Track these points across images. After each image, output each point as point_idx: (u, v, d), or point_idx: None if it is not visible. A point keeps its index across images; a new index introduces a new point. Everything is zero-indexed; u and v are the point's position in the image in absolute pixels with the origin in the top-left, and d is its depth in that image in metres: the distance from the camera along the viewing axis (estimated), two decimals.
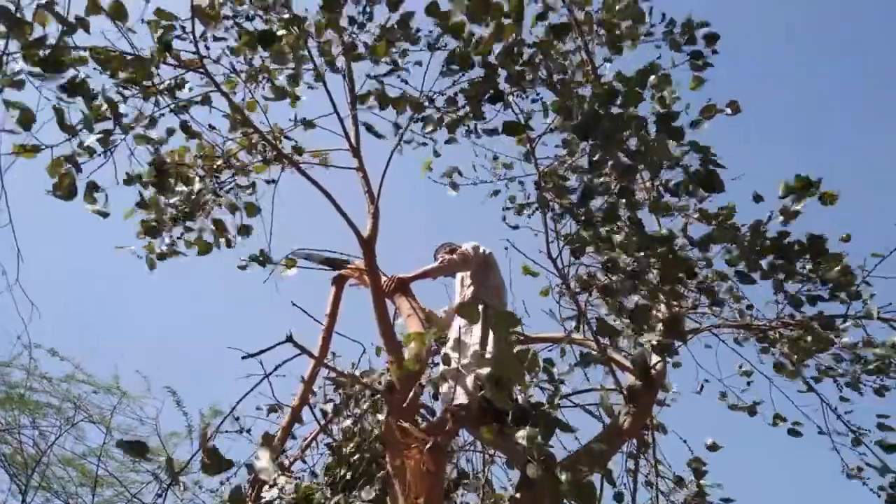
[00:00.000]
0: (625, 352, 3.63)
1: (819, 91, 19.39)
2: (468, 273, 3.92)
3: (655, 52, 4.26)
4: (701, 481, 3.95)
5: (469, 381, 3.23)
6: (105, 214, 3.63)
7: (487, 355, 3.38)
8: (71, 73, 3.02)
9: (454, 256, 3.95)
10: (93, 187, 3.39)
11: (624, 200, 2.97)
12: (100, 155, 3.47)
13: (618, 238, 3.25)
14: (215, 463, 2.49)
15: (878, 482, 3.99)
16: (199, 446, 2.49)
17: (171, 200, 4.04)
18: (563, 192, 3.17)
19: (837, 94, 19.40)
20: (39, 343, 10.02)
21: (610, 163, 3.01)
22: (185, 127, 3.83)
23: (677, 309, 3.26)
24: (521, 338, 3.66)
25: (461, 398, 3.17)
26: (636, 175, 3.10)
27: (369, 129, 3.82)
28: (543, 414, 2.67)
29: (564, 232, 3.32)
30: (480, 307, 3.53)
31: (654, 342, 2.89)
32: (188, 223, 4.20)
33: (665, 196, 3.31)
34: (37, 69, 2.81)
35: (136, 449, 2.53)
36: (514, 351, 2.68)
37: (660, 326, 2.90)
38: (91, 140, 3.25)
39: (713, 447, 4.08)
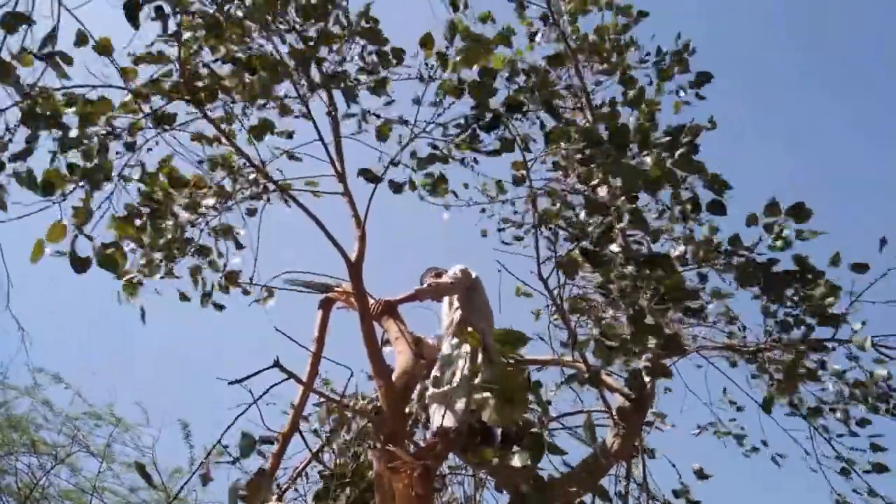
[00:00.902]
0: (614, 373, 3.61)
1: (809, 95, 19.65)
2: (455, 297, 3.91)
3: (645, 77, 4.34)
4: None
5: (459, 404, 3.19)
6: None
7: (478, 379, 3.35)
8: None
9: (442, 280, 3.95)
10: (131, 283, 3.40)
11: (620, 222, 2.98)
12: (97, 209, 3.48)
13: (611, 258, 3.26)
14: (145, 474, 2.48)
15: None
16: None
17: (159, 241, 4.00)
18: (561, 209, 3.18)
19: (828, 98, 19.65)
20: (39, 367, 9.96)
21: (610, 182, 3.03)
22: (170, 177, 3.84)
23: (672, 328, 3.25)
24: (512, 360, 3.64)
25: (450, 421, 3.14)
26: (639, 192, 3.11)
27: (367, 174, 3.80)
28: (534, 436, 2.63)
29: (556, 253, 3.33)
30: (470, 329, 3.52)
31: (647, 364, 2.88)
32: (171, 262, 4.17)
33: (666, 215, 3.32)
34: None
35: (146, 473, 2.51)
36: (515, 373, 2.65)
37: (652, 347, 2.88)
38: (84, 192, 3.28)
39: (700, 473, 4.04)
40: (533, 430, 2.81)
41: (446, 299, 4.02)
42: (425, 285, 4.07)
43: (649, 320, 3.10)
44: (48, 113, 3.06)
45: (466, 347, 3.45)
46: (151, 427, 11.33)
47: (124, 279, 3.92)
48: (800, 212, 3.37)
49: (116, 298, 3.89)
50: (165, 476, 9.59)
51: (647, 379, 3.40)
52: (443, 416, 3.13)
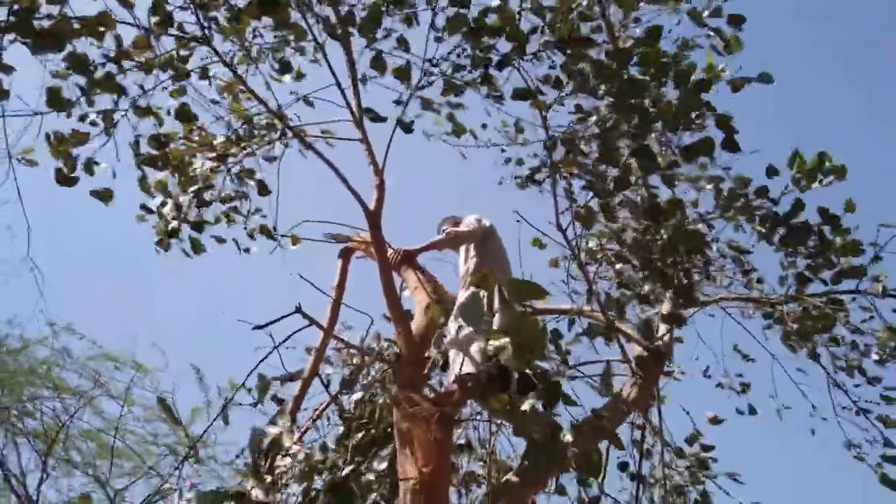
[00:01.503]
0: (632, 323, 3.61)
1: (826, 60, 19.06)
2: (472, 245, 3.90)
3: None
4: (703, 453, 3.96)
5: (476, 350, 3.21)
6: (107, 198, 3.62)
7: (496, 324, 3.35)
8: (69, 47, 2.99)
9: (459, 229, 3.93)
10: (91, 163, 3.37)
11: (638, 163, 2.91)
12: (101, 133, 3.44)
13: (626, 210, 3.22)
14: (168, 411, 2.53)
15: (875, 458, 3.99)
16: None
17: (182, 185, 4.00)
18: (578, 154, 3.12)
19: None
20: (54, 321, 10.17)
21: (626, 123, 2.95)
22: (183, 111, 3.78)
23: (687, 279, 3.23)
24: (530, 309, 3.63)
25: (468, 368, 3.16)
26: (652, 133, 3.04)
27: (370, 113, 3.74)
28: (550, 384, 2.65)
29: (574, 202, 3.29)
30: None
31: (664, 312, 2.87)
32: (199, 210, 4.19)
33: (679, 158, 3.25)
34: (32, 41, 2.78)
35: (169, 409, 2.57)
36: (533, 320, 2.64)
37: (669, 296, 2.87)
38: (92, 116, 3.23)
39: (714, 420, 4.08)
40: (551, 377, 2.81)
41: (462, 248, 4.01)
42: (443, 235, 4.06)
43: (663, 269, 3.10)
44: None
45: (483, 294, 3.45)
46: (171, 373, 11.67)
47: (160, 227, 3.96)
48: (822, 160, 3.30)
49: (156, 246, 3.94)
50: (184, 419, 9.92)
51: (662, 328, 3.40)
52: (461, 363, 3.16)
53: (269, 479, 2.77)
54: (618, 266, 3.27)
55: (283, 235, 4.12)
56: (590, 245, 3.50)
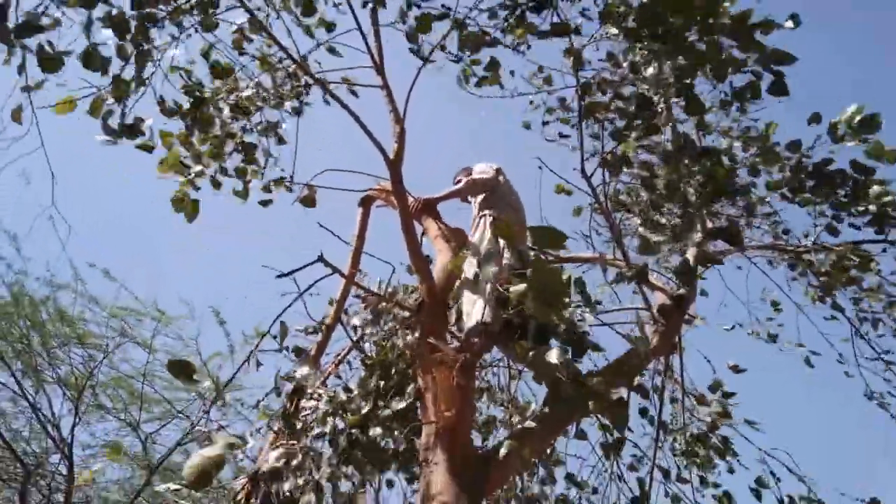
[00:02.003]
0: (656, 271, 3.59)
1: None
2: (485, 193, 3.87)
3: None
4: (722, 400, 3.98)
5: (492, 298, 3.20)
6: (150, 148, 3.64)
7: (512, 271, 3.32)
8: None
9: (475, 176, 3.89)
10: (139, 122, 3.39)
11: (684, 103, 2.83)
12: (135, 91, 3.44)
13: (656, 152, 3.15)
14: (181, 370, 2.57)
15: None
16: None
17: (207, 137, 3.98)
18: (610, 99, 3.04)
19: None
20: (79, 269, 10.35)
21: (665, 67, 2.85)
22: (219, 69, 3.74)
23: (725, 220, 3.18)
24: (553, 257, 3.62)
25: (488, 316, 3.16)
26: (696, 77, 2.95)
27: (415, 52, 3.64)
28: (577, 334, 2.64)
29: (600, 148, 3.22)
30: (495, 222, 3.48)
31: (695, 254, 2.83)
32: (220, 161, 4.17)
33: (727, 100, 3.15)
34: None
35: (182, 368, 2.61)
36: (554, 269, 2.62)
37: (698, 237, 2.82)
38: (126, 73, 3.22)
39: (736, 369, 4.08)
40: (577, 327, 2.81)
41: (473, 197, 3.98)
42: (461, 183, 4.03)
43: (697, 214, 3.03)
44: None
45: (499, 241, 3.44)
46: (196, 321, 11.91)
47: (181, 184, 3.96)
48: (870, 120, 3.18)
49: (174, 206, 3.94)
50: (208, 363, 10.16)
51: (695, 267, 3.36)
52: (483, 311, 3.16)
53: (296, 422, 2.82)
54: (647, 209, 3.21)
55: (303, 185, 4.09)
56: (617, 188, 3.44)
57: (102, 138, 3.38)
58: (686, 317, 3.58)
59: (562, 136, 4.13)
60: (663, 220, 3.37)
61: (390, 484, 3.59)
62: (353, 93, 4.12)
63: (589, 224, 3.34)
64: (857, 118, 3.14)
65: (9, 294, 10.22)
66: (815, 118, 3.15)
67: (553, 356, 2.68)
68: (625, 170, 3.33)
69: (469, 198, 4.07)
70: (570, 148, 3.70)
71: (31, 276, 10.61)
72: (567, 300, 2.66)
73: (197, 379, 2.61)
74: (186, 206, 3.92)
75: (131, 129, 3.46)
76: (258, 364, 2.86)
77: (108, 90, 3.31)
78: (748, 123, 3.39)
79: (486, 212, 3.73)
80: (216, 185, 4.14)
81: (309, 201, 4.20)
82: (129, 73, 3.38)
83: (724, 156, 3.38)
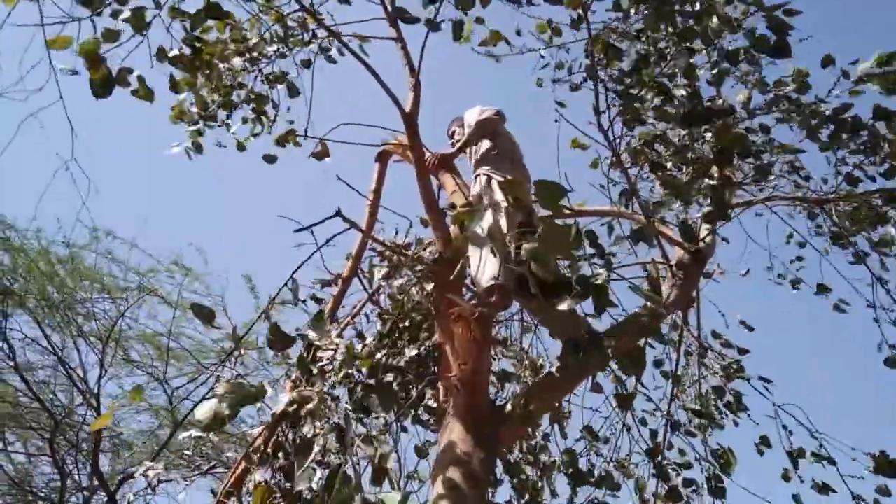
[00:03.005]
0: (673, 224, 3.56)
1: None
2: (488, 140, 3.81)
3: None
4: (735, 356, 3.98)
5: (500, 254, 3.17)
6: (150, 98, 3.59)
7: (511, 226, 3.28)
8: None
9: (482, 117, 3.81)
10: (125, 72, 3.31)
11: (681, 67, 2.78)
12: (133, 36, 3.36)
13: (670, 110, 3.09)
14: (280, 339, 2.60)
15: None
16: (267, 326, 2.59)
17: (211, 84, 3.92)
18: (616, 57, 2.98)
19: None
20: (97, 225, 10.42)
21: (666, 26, 2.80)
22: (213, 7, 3.64)
23: (727, 179, 3.14)
24: (567, 211, 3.59)
25: (499, 271, 3.14)
26: (695, 39, 2.89)
27: (401, 11, 3.56)
28: (595, 288, 2.64)
29: (616, 102, 3.16)
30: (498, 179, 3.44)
31: (704, 211, 2.80)
32: (227, 111, 4.13)
33: (724, 63, 3.10)
34: None
35: (206, 314, 2.64)
36: (556, 225, 2.59)
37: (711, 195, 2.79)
38: (125, 14, 3.14)
39: (745, 325, 4.07)
40: (593, 281, 2.80)
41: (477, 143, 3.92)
42: (465, 134, 3.94)
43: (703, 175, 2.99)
44: None
45: (499, 195, 3.40)
46: (217, 278, 12.03)
47: (189, 129, 3.94)
48: (889, 58, 3.08)
49: (185, 151, 3.94)
50: (236, 323, 10.29)
51: (703, 229, 3.34)
52: (499, 267, 3.15)
53: (314, 370, 2.86)
54: (662, 162, 3.17)
55: (317, 139, 4.05)
56: (632, 144, 3.38)
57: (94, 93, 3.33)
58: (707, 270, 3.57)
59: (575, 87, 4.04)
60: (678, 175, 3.34)
61: (405, 429, 3.66)
62: (364, 50, 4.04)
63: (606, 177, 3.28)
64: (881, 63, 3.05)
65: (33, 248, 10.32)
66: (829, 60, 3.05)
67: (565, 306, 2.69)
68: (640, 124, 3.29)
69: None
70: (581, 104, 3.63)
71: (50, 231, 10.71)
72: (573, 254, 2.64)
73: (217, 325, 2.65)
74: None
75: (119, 79, 3.40)
76: (298, 301, 2.87)
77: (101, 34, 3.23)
78: (765, 74, 3.30)
79: (485, 169, 3.66)
80: (228, 128, 4.13)
81: (322, 154, 4.17)
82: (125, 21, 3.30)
83: (741, 108, 3.31)
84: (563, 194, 2.42)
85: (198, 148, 4.14)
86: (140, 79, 3.23)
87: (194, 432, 2.43)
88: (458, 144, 3.95)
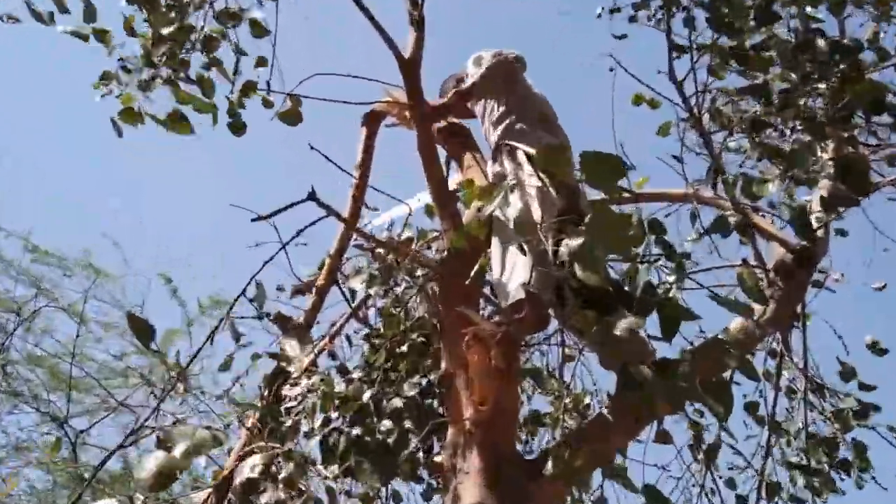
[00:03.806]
0: (772, 213, 3.54)
1: None
2: (503, 97, 3.80)
3: None
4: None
5: (535, 256, 3.17)
6: (87, 38, 3.64)
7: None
8: None
9: (489, 66, 3.82)
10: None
11: None
12: None
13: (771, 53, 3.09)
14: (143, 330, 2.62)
15: None
16: None
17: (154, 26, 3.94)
18: None
19: None
20: None
21: None
22: None
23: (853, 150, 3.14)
24: (626, 194, 3.59)
25: (532, 278, 3.13)
26: None
27: None
28: (665, 302, 2.65)
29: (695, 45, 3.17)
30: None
31: (822, 194, 2.79)
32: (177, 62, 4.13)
33: None
34: None
35: (143, 329, 2.66)
36: (610, 212, 2.59)
37: (829, 172, 2.79)
38: None
39: (875, 348, 4.01)
40: (658, 292, 2.79)
41: (479, 106, 3.94)
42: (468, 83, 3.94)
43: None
44: None
45: (528, 172, 3.40)
46: (139, 277, 11.87)
47: (122, 104, 3.97)
48: None
49: (113, 126, 3.97)
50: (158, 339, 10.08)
51: (816, 215, 3.32)
52: (530, 271, 3.14)
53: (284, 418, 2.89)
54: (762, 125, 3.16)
55: (287, 94, 4.02)
56: (717, 101, 3.38)
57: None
58: (814, 277, 3.54)
59: (634, 17, 4.01)
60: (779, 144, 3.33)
61: (397, 498, 3.66)
62: None
63: (680, 148, 3.27)
64: None
65: None
66: None
67: (623, 325, 2.69)
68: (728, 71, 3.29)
69: (483, 102, 3.97)
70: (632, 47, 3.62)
71: None
72: (632, 252, 2.64)
73: (157, 349, 2.68)
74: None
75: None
76: (237, 338, 2.90)
77: None
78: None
79: (505, 136, 3.65)
80: (177, 92, 4.12)
81: (292, 116, 4.14)
82: None
83: (869, 48, 3.30)
84: (621, 171, 2.41)
85: (130, 117, 4.13)
86: None
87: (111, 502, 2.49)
88: (463, 89, 3.94)
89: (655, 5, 3.72)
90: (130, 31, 3.99)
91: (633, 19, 4.11)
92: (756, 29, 3.18)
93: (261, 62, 4.22)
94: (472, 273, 3.27)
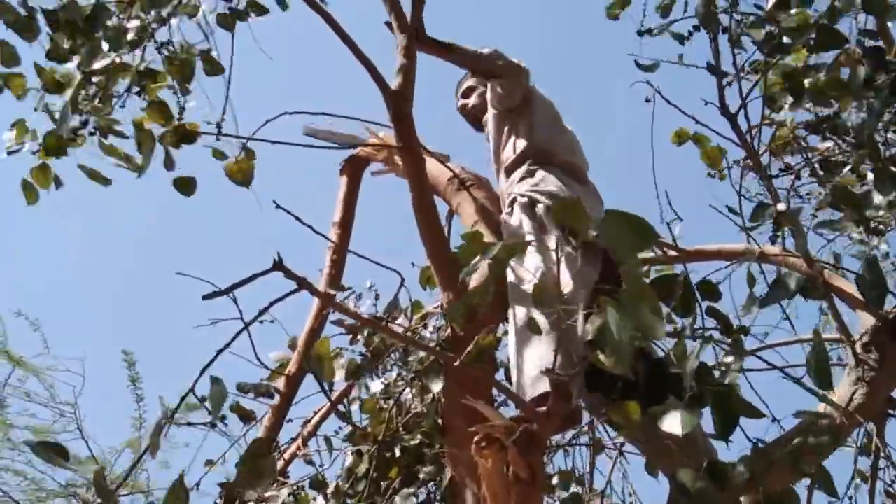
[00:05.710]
0: (855, 272, 3.52)
1: None
2: (512, 112, 3.89)
3: None
4: None
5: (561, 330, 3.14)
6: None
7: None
8: None
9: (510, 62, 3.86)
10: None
11: None
12: None
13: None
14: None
15: None
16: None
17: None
18: None
19: None
20: None
21: None
22: None
23: None
24: (673, 252, 3.56)
25: (556, 359, 3.09)
26: None
27: None
28: (719, 393, 2.61)
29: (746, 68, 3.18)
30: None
31: None
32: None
33: None
34: None
35: (55, 452, 2.59)
36: (641, 283, 2.57)
37: None
38: None
39: None
40: (712, 376, 2.74)
41: (493, 120, 3.99)
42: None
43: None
44: None
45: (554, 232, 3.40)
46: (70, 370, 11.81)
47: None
48: None
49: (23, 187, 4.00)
50: (101, 446, 10.10)
51: None
52: (555, 354, 3.11)
53: None
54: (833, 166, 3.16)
55: (242, 138, 3.99)
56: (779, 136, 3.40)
57: None
58: None
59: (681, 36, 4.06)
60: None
61: None
62: None
63: (738, 194, 3.25)
64: None
65: None
66: None
67: (676, 424, 2.66)
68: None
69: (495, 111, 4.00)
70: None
71: None
72: (657, 333, 2.59)
73: (70, 466, 2.66)
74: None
75: None
76: (154, 450, 2.84)
77: None
78: None
79: (523, 182, 3.66)
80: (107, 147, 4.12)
81: (242, 172, 4.05)
82: None
83: None
84: (650, 236, 2.40)
85: (46, 182, 4.16)
86: None
87: None
88: (465, 52, 3.96)
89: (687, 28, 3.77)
90: (55, 85, 4.02)
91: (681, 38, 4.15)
92: (819, 49, 3.21)
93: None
94: (478, 352, 3.21)
